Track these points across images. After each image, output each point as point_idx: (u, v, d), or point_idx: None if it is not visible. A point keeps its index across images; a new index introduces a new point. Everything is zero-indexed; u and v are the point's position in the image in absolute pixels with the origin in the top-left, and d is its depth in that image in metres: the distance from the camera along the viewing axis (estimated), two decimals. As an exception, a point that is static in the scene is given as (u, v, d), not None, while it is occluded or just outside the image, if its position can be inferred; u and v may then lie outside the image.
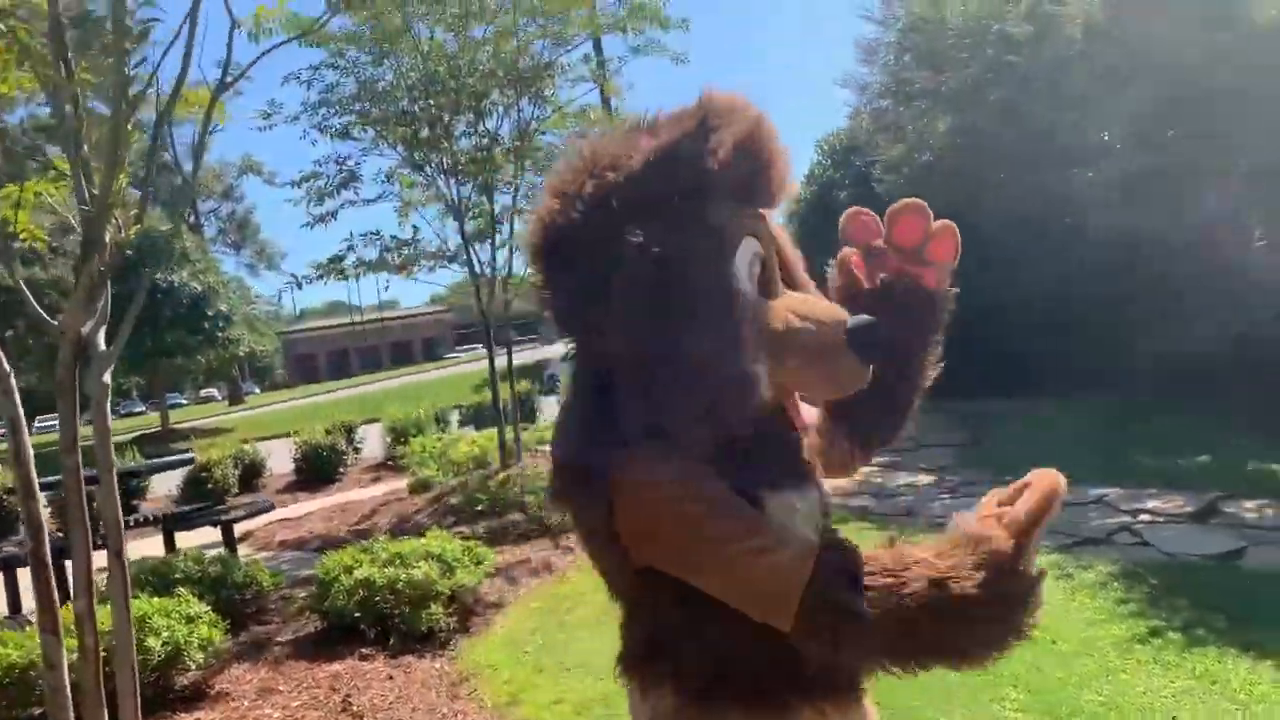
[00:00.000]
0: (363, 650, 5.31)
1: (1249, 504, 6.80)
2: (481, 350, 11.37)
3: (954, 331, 1.75)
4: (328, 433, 14.06)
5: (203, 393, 59.41)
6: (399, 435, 14.16)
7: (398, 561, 5.54)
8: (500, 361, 11.26)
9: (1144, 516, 6.81)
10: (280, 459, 14.53)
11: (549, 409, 18.11)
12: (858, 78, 16.30)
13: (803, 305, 1.43)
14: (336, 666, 5.16)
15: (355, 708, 4.58)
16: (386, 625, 5.40)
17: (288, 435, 15.75)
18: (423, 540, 5.96)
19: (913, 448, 9.91)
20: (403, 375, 49.17)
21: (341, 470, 13.83)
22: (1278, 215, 9.81)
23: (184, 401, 55.52)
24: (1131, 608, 5.07)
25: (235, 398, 46.91)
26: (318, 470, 13.40)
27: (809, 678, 1.41)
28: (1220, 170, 9.48)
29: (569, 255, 1.39)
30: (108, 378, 3.67)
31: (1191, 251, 9.70)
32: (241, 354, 32.01)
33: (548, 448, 7.62)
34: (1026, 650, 4.46)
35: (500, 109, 9.77)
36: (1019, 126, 11.14)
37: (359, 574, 5.42)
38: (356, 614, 5.37)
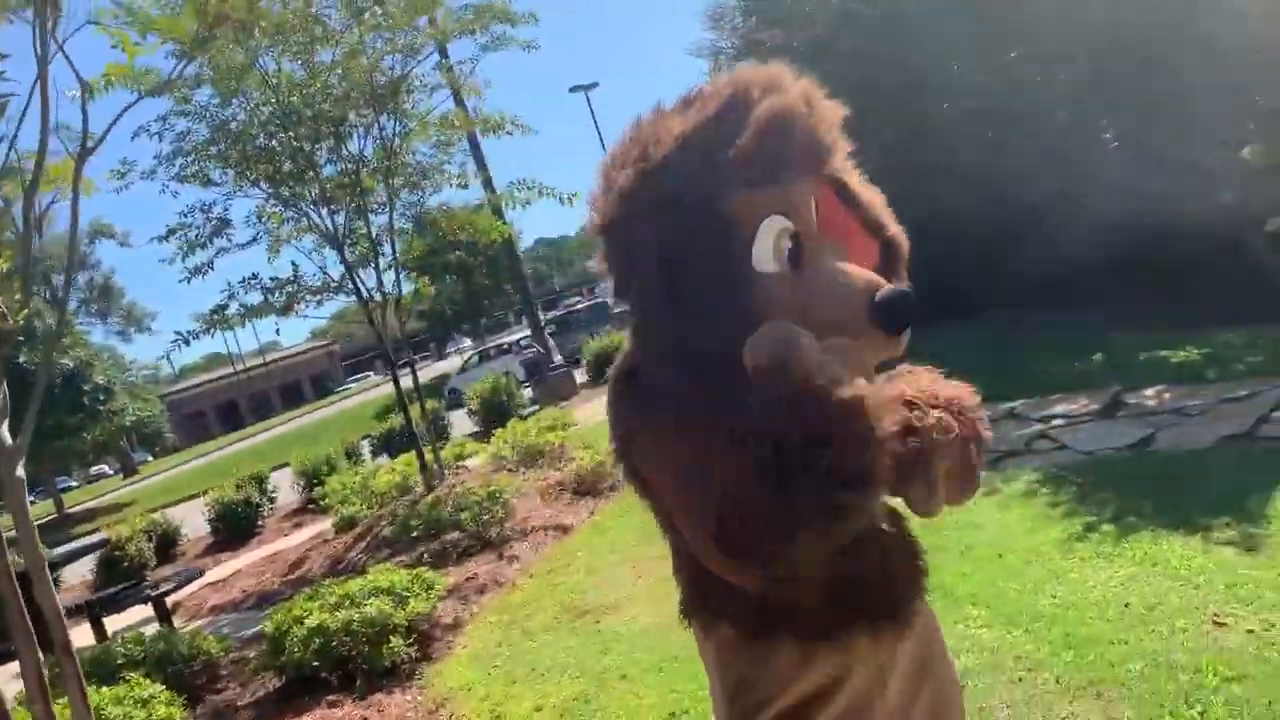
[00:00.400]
0: (329, 698, 5.20)
1: (1148, 392, 7.15)
2: (374, 377, 11.22)
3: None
4: (238, 488, 13.65)
5: (93, 470, 56.87)
6: (311, 477, 13.85)
7: (347, 603, 5.44)
8: (405, 382, 11.11)
9: (1056, 421, 7.10)
10: (193, 523, 14.08)
11: (459, 424, 17.93)
12: (709, 44, 16.43)
13: (832, 277, 1.40)
14: None
15: (335, 757, 4.50)
16: (348, 668, 5.30)
17: (195, 497, 15.28)
18: (368, 577, 5.85)
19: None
20: (299, 416, 48.00)
21: (260, 523, 13.49)
22: (1119, 111, 10.31)
23: (74, 484, 53.09)
24: (1063, 509, 5.30)
25: (129, 469, 45.20)
26: (235, 527, 13.03)
27: (857, 608, 1.47)
28: (1063, 84, 9.93)
29: (607, 244, 1.50)
30: (21, 470, 3.53)
31: (1051, 165, 10.13)
32: (128, 423, 30.87)
33: (469, 463, 7.60)
34: (978, 569, 4.65)
35: (361, 130, 9.60)
36: (872, 71, 11.43)
37: (310, 622, 5.30)
38: (315, 663, 5.25)
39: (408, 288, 10.61)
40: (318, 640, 5.24)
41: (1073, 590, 4.27)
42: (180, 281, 9.26)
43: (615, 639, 5.10)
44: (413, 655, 5.47)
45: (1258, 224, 8.38)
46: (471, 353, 34.49)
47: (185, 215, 9.20)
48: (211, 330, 9.17)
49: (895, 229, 1.59)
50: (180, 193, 9.39)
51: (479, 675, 5.16)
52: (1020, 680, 3.61)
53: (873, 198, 1.58)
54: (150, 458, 55.39)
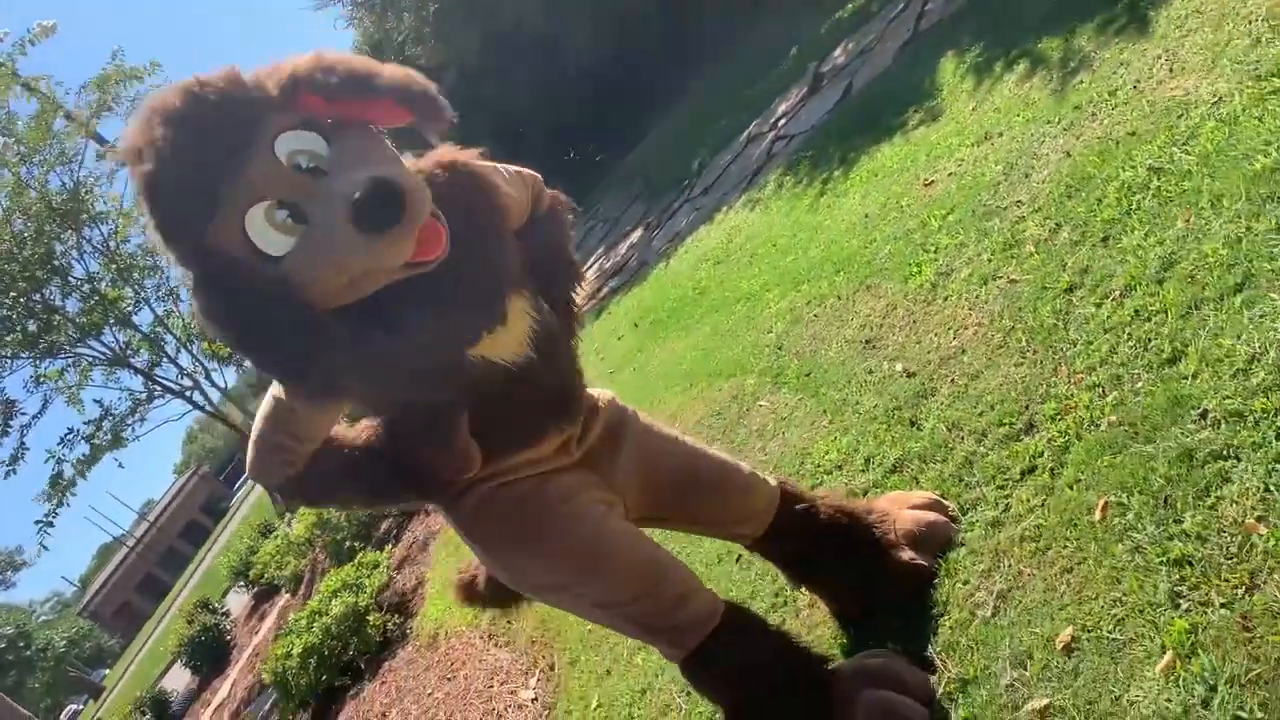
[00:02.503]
0: (350, 695, 5.66)
1: (836, 52, 7.87)
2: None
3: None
4: (189, 622, 13.69)
5: (65, 716, 54.68)
6: (246, 570, 13.97)
7: (317, 616, 5.85)
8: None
9: (781, 123, 7.78)
10: (174, 680, 14.12)
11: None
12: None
13: (324, 214, 1.37)
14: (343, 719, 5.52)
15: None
16: (351, 664, 5.75)
17: (171, 666, 15.20)
18: (320, 589, 6.25)
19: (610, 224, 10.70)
20: (213, 544, 46.77)
21: (230, 636, 13.59)
22: None
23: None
24: (804, 182, 6.00)
25: (95, 692, 43.78)
26: (211, 652, 13.13)
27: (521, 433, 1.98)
28: None
29: None
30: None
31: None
32: (61, 653, 29.95)
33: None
34: (760, 259, 5.27)
35: (75, 253, 9.48)
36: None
37: (297, 650, 5.71)
38: (323, 676, 5.68)
39: (212, 364, 10.63)
40: (313, 660, 5.66)
41: (825, 230, 4.96)
42: (4, 477, 9.17)
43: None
44: (397, 621, 5.94)
45: None
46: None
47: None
48: (62, 498, 9.16)
49: (401, 78, 1.52)
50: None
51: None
52: (808, 304, 4.29)
53: (361, 65, 1.51)
54: (107, 671, 53.54)
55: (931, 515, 2.53)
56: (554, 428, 1.99)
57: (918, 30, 6.50)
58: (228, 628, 14.05)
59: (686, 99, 12.08)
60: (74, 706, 54.11)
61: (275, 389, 1.72)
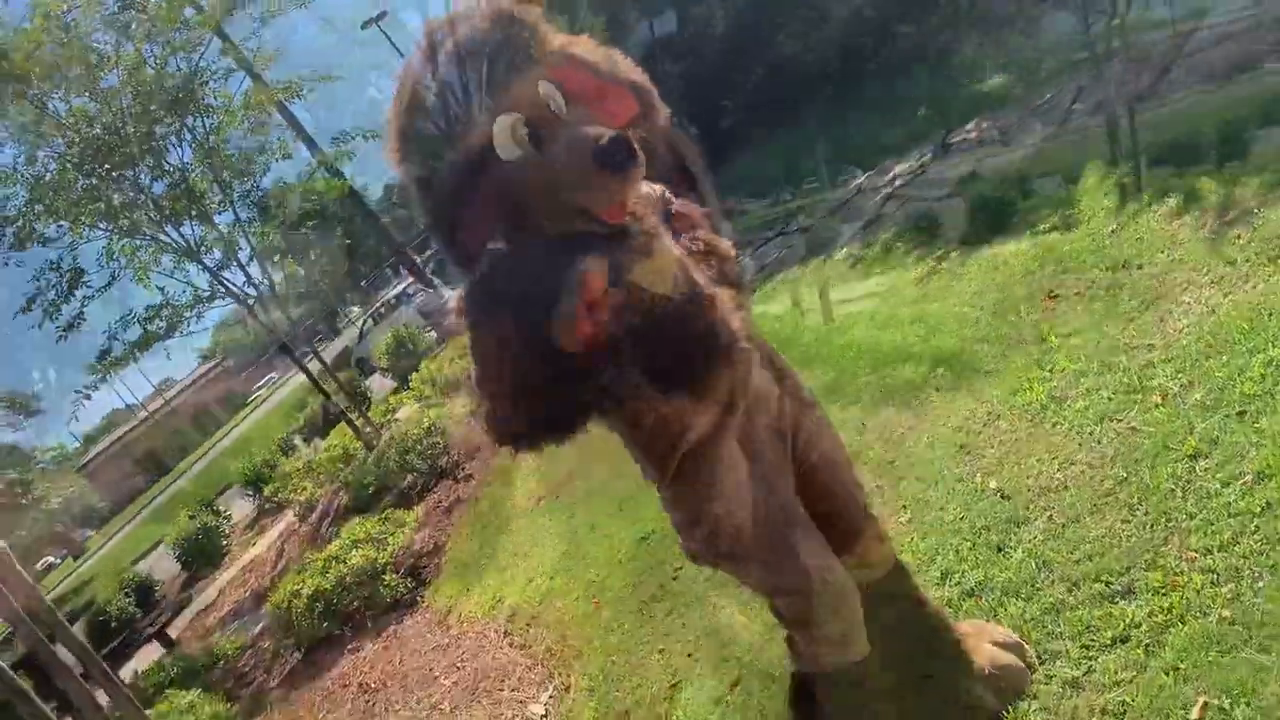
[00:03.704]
0: (349, 648, 5.65)
1: (969, 127, 7.75)
2: (277, 377, 11.34)
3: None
4: (191, 518, 13.78)
5: (40, 566, 55.24)
6: (257, 481, 14.05)
7: (334, 563, 5.84)
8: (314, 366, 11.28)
9: (898, 182, 7.68)
10: (163, 568, 14.23)
11: (377, 387, 18.04)
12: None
13: (566, 144, 1.62)
14: (336, 671, 5.50)
15: (373, 685, 4.97)
16: (355, 619, 5.74)
17: (154, 549, 15.32)
18: (344, 536, 6.25)
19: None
20: (221, 439, 47.22)
21: (225, 542, 13.66)
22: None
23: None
24: (915, 254, 5.90)
25: (76, 551, 44.16)
26: (204, 553, 13.18)
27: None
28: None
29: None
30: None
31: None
32: (54, 508, 30.25)
33: (399, 415, 7.82)
34: (855, 322, 5.20)
35: (173, 139, 9.53)
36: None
37: (307, 591, 5.71)
38: (325, 624, 5.68)
39: (276, 275, 10.69)
40: (319, 604, 5.66)
41: (932, 314, 4.86)
42: (58, 341, 9.23)
43: (578, 503, 5.59)
44: (409, 585, 5.92)
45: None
46: (363, 318, 34.11)
47: (38, 277, 9.13)
48: (107, 375, 9.24)
49: (635, 75, 1.81)
50: (21, 261, 9.23)
51: (472, 576, 5.64)
52: (903, 388, 4.20)
53: (605, 57, 1.79)
54: (92, 533, 54.05)
55: (1010, 658, 2.46)
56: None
57: (1063, 127, 6.38)
58: (225, 532, 14.12)
59: (798, 129, 11.96)
60: (52, 559, 54.89)
61: None
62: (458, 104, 1.64)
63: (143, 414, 70.72)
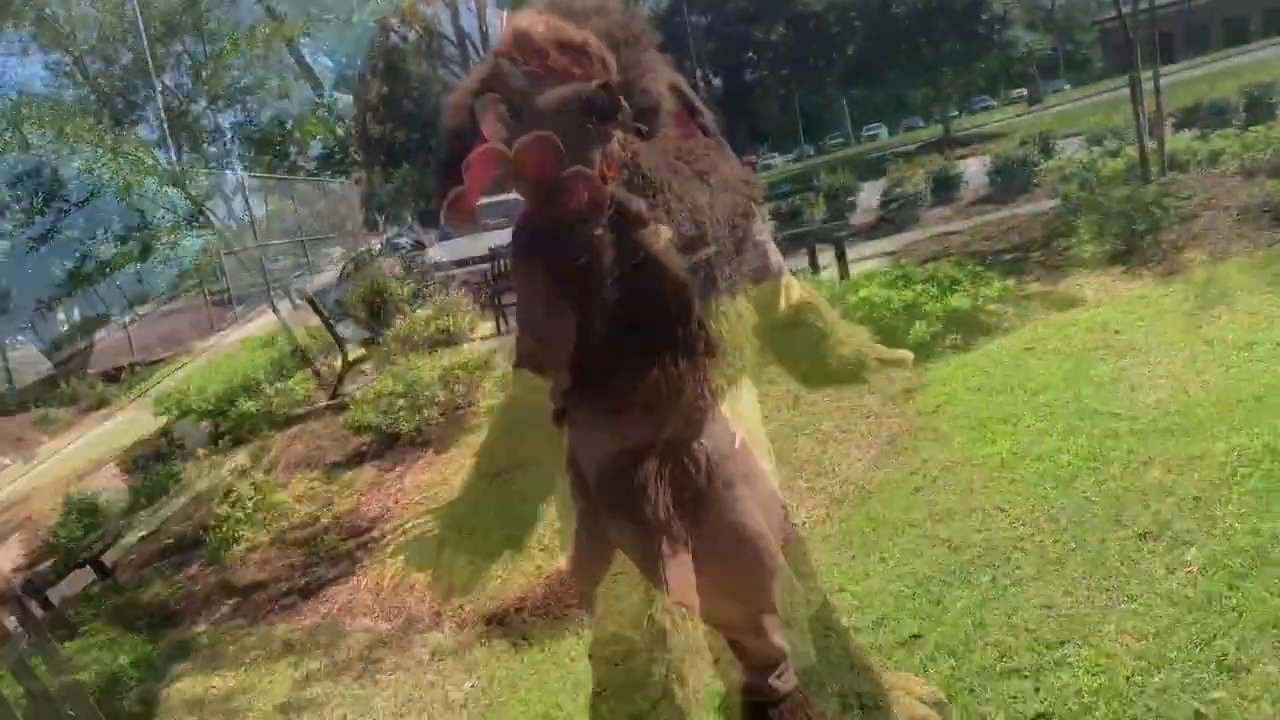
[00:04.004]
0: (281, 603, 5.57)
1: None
2: (242, 312, 11.20)
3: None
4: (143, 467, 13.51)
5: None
6: (214, 415, 13.86)
7: (276, 515, 5.77)
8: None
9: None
10: (103, 482, 14.02)
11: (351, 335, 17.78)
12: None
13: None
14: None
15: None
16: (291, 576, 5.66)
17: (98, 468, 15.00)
18: (290, 488, 6.17)
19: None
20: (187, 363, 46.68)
21: (178, 468, 13.43)
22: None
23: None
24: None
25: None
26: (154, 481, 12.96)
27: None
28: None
29: None
30: None
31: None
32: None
33: (364, 368, 7.52)
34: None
35: (171, 62, 9.40)
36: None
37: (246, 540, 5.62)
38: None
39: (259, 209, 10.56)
40: (255, 556, 5.58)
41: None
42: (28, 252, 9.11)
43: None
44: (349, 548, 5.83)
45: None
46: (345, 261, 33.68)
47: (15, 184, 9.01)
48: (74, 289, 9.15)
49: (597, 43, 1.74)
50: None
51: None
52: (864, 419, 4.16)
53: (569, 35, 1.72)
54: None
55: (931, 716, 2.45)
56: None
57: (1090, 88, 6.35)
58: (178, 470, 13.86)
59: (822, 86, 11.85)
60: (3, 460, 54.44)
61: None
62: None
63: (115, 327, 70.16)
